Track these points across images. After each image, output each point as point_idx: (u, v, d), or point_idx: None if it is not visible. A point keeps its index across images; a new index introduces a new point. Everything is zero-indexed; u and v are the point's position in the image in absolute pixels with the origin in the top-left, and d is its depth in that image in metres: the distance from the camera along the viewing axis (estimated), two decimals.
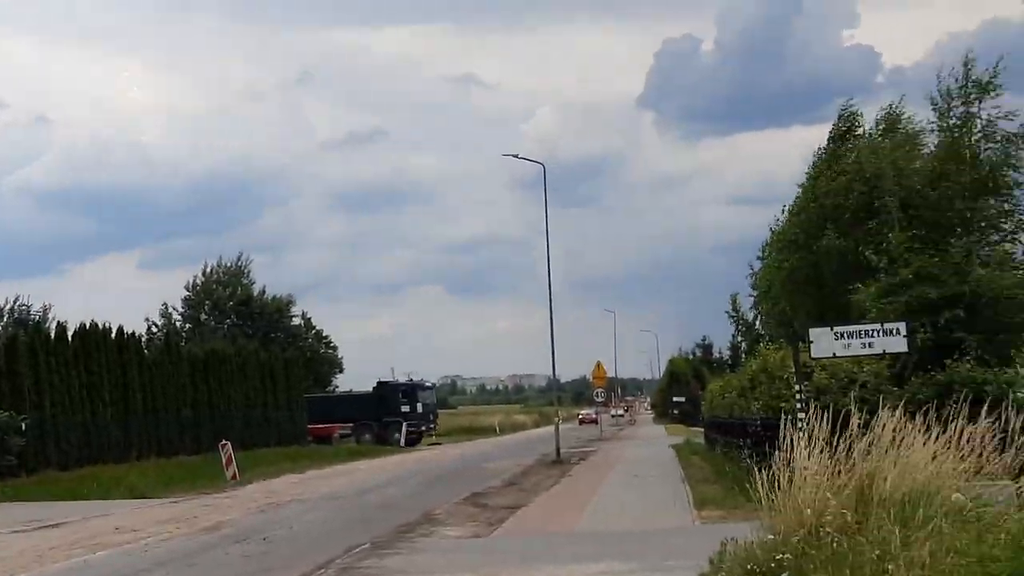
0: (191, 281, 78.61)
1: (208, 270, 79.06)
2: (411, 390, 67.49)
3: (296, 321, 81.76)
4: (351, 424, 63.36)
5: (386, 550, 16.65)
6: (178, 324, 75.93)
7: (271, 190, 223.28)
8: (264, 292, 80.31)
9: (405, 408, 65.12)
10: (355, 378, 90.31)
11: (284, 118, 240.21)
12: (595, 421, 77.94)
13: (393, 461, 45.48)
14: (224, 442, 36.10)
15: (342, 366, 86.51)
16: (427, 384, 75.49)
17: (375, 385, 69.58)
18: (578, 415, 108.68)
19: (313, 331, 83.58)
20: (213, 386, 45.32)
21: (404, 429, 63.09)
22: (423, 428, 67.32)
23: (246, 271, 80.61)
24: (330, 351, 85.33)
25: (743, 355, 64.62)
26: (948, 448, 9.95)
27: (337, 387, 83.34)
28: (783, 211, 40.57)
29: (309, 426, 57.65)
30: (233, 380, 47.29)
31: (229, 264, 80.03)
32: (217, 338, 61.00)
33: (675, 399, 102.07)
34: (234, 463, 34.97)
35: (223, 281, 78.66)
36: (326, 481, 33.56)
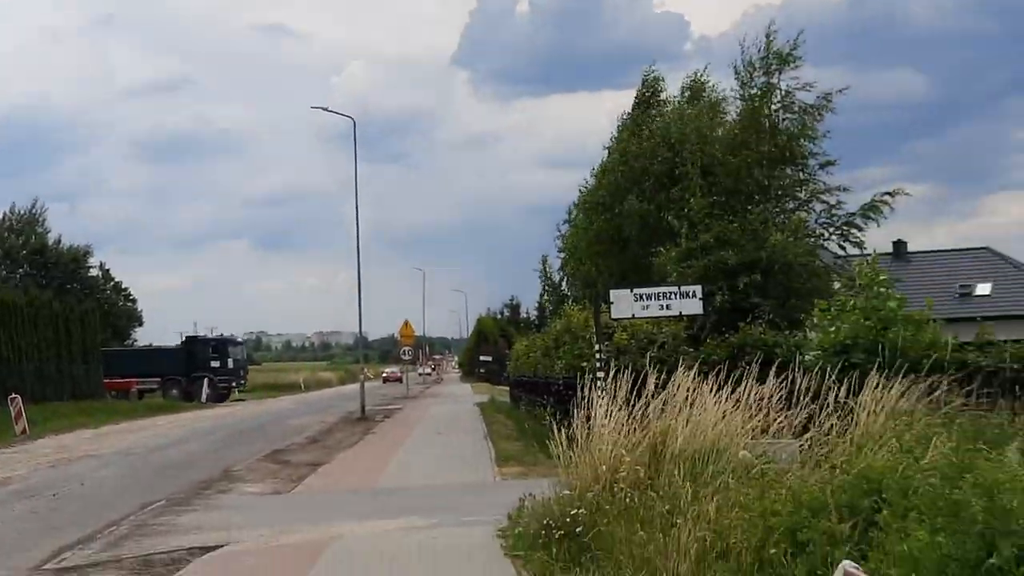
0: None
1: (0, 216, 75.69)
2: (221, 345, 66.53)
3: (94, 272, 79.12)
4: (158, 379, 62.17)
5: (182, 507, 16.31)
6: None
7: (69, 136, 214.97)
8: (60, 241, 77.36)
9: (215, 363, 64.16)
10: (155, 332, 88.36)
11: (85, 62, 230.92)
12: (400, 379, 77.92)
13: (193, 417, 44.53)
14: (13, 395, 34.68)
15: (141, 319, 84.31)
16: (237, 340, 74.41)
17: (184, 340, 68.21)
18: (382, 373, 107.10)
19: (112, 283, 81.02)
20: (2, 337, 43.40)
21: (206, 385, 62.05)
22: (232, 384, 66.61)
23: (40, 219, 77.48)
24: (129, 304, 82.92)
25: (549, 315, 65.54)
26: (738, 407, 10.29)
27: (136, 341, 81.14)
28: (591, 174, 41.24)
29: (114, 380, 56.20)
30: (24, 331, 45.38)
31: (22, 211, 76.76)
32: (8, 288, 58.36)
33: (482, 358, 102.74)
34: (24, 417, 33.65)
35: (16, 229, 75.41)
36: (122, 437, 32.62)
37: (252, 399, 66.32)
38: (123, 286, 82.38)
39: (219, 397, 62.79)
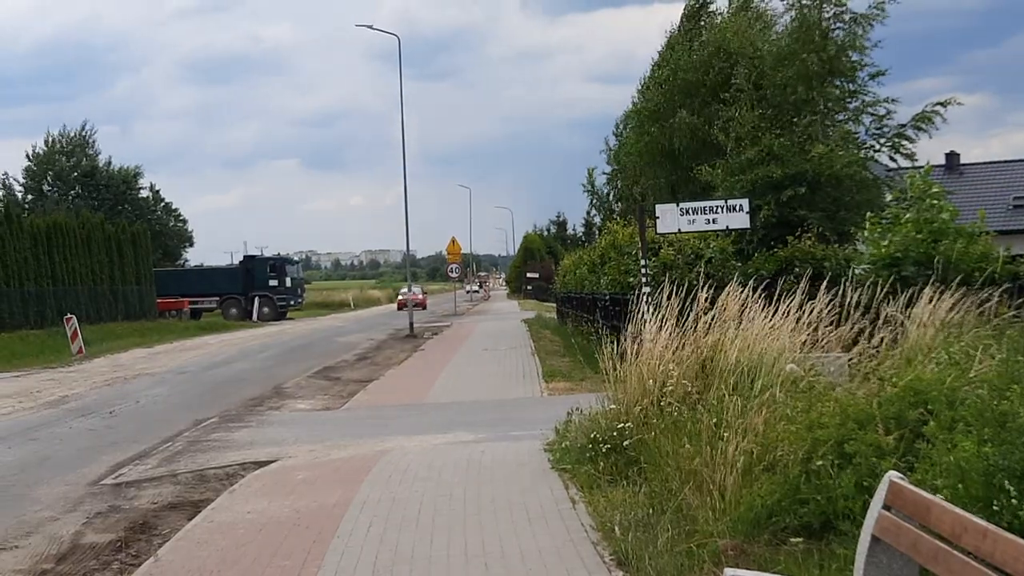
0: (32, 150, 75.75)
1: (51, 139, 76.21)
2: (279, 264, 66.81)
3: (144, 194, 79.70)
4: (216, 298, 62.95)
5: (235, 423, 16.57)
6: (19, 196, 73.28)
7: (119, 57, 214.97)
8: (110, 163, 77.89)
9: (273, 282, 64.56)
10: (205, 252, 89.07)
11: None
12: (424, 304, 73.19)
13: (246, 336, 45.05)
14: (69, 316, 35.22)
15: (192, 240, 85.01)
16: (293, 259, 75.04)
17: (243, 258, 68.61)
18: (397, 296, 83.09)
19: (162, 204, 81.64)
20: (57, 260, 43.94)
21: (257, 303, 62.72)
22: (291, 302, 67.09)
23: (91, 141, 77.97)
24: (179, 224, 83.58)
25: (596, 231, 65.37)
26: (787, 322, 10.25)
27: (187, 261, 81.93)
28: (641, 86, 40.80)
29: (167, 300, 56.88)
30: (78, 253, 45.92)
31: (73, 134, 77.25)
32: (61, 210, 58.98)
33: (529, 275, 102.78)
34: (80, 337, 34.19)
35: (67, 151, 75.94)
36: (175, 356, 33.10)
37: (303, 318, 66.96)
38: (173, 207, 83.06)
39: (278, 315, 63.50)
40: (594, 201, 74.66)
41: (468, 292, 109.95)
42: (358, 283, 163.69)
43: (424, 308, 71.22)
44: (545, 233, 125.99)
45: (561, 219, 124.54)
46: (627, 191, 44.46)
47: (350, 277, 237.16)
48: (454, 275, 66.79)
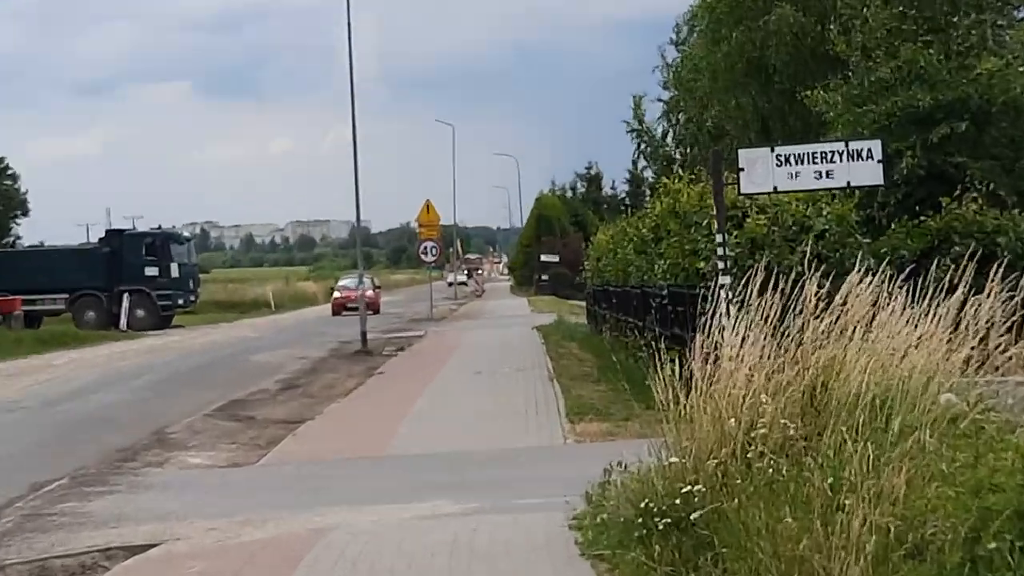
0: None
1: None
2: (160, 243, 66.40)
3: None
4: (64, 296, 62.52)
5: (94, 487, 16.54)
6: None
7: None
8: None
9: (151, 271, 64.08)
10: (47, 227, 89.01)
11: None
12: (376, 307, 70.01)
13: (109, 352, 45.05)
14: None
15: (26, 207, 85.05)
16: (183, 235, 74.33)
17: (104, 235, 68.20)
18: (332, 292, 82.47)
19: None
20: None
21: (127, 304, 62.54)
22: (179, 301, 66.86)
23: None
24: (6, 184, 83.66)
25: (647, 191, 64.96)
26: (940, 328, 10.23)
27: (18, 239, 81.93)
28: None
29: None
30: None
31: None
32: None
33: (544, 258, 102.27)
34: None
35: None
36: (5, 383, 33.13)
37: (197, 325, 66.87)
38: None
39: (160, 322, 63.49)
40: (643, 146, 74.38)
41: (451, 284, 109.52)
42: (282, 271, 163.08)
43: (376, 311, 68.08)
44: (569, 194, 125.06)
45: (593, 172, 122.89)
46: (694, 130, 44.32)
47: (270, 263, 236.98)
48: (429, 258, 65.29)
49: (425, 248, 64.74)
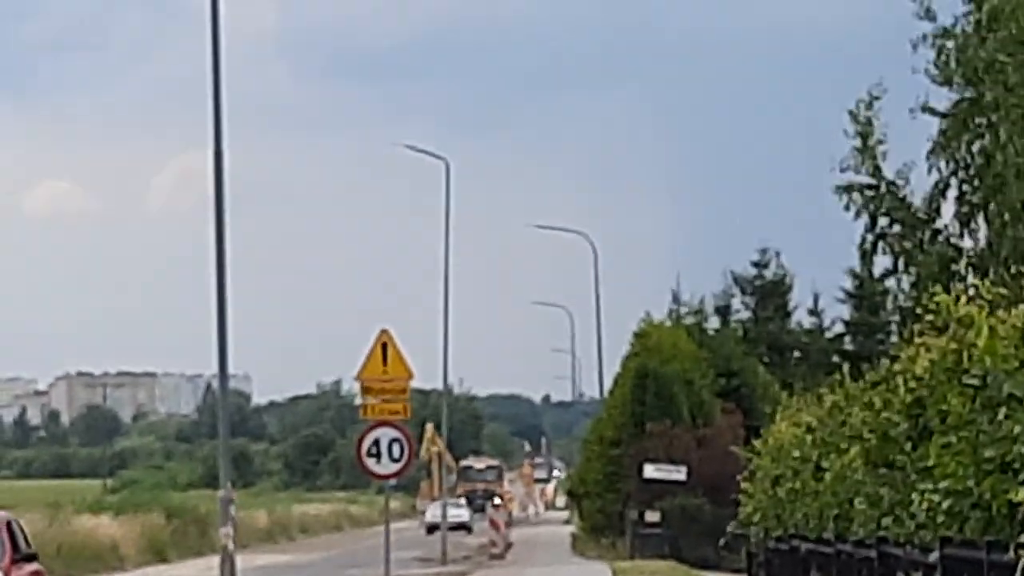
0: None
1: None
2: None
3: None
4: None
5: None
6: None
7: None
8: None
9: None
10: None
11: None
12: None
13: None
14: None
15: None
16: None
17: None
18: None
19: None
20: None
21: None
22: None
23: None
24: None
25: (892, 322, 46.68)
26: None
27: None
28: None
29: None
30: None
31: None
32: None
33: (651, 472, 53.19)
34: None
35: None
36: None
37: None
38: None
39: None
40: (883, 218, 37.56)
41: (432, 530, 69.15)
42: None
43: None
44: (712, 324, 67.25)
45: (771, 270, 68.07)
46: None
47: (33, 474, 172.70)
48: (386, 468, 33.73)
49: (377, 444, 32.78)
